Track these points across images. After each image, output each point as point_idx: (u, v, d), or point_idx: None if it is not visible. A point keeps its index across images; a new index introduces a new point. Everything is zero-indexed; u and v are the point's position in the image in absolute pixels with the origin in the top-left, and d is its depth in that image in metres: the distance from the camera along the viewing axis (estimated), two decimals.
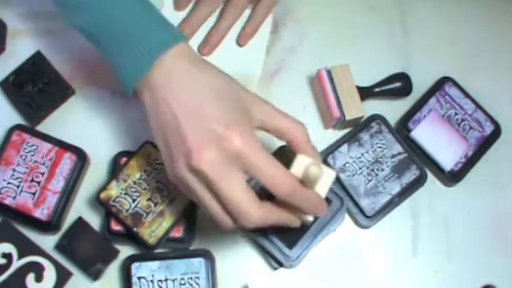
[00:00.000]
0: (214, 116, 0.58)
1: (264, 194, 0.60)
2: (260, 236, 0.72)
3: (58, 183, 0.72)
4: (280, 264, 0.73)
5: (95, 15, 0.61)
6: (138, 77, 0.60)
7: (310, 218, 0.65)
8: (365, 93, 0.79)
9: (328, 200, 0.73)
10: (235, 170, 0.58)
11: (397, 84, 0.81)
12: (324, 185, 0.63)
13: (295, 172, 0.61)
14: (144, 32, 0.60)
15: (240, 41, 0.82)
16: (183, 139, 0.58)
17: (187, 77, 0.60)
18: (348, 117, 0.77)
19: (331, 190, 0.72)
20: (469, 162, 0.79)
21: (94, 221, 0.74)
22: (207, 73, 0.61)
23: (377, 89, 0.80)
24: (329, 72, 0.78)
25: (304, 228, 0.72)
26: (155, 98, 0.60)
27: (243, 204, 0.58)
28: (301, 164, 0.61)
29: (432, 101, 0.80)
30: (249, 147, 0.58)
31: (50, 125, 0.77)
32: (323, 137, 0.79)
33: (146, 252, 0.73)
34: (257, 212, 0.59)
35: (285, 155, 0.62)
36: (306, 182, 0.60)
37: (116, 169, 0.74)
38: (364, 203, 0.76)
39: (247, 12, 0.83)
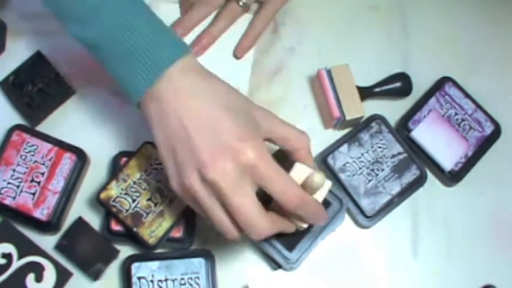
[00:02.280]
0: (227, 129, 0.58)
1: (260, 198, 0.61)
2: None
3: (58, 183, 0.72)
4: (280, 267, 0.73)
5: (98, 27, 0.61)
6: (144, 91, 0.60)
7: (305, 225, 0.66)
8: (365, 93, 0.79)
9: (327, 202, 0.73)
10: (248, 182, 0.58)
11: (397, 84, 0.81)
12: (321, 193, 0.65)
13: (294, 178, 0.62)
14: (150, 44, 0.60)
15: (237, 54, 0.82)
16: (196, 151, 0.58)
17: (197, 90, 0.60)
18: (348, 117, 0.77)
19: (330, 192, 0.73)
20: (469, 162, 0.79)
21: (94, 221, 0.74)
22: (217, 86, 0.61)
23: (377, 89, 0.80)
24: (329, 72, 0.78)
25: (303, 231, 0.72)
26: (164, 111, 0.60)
27: (252, 217, 0.59)
28: (300, 171, 0.63)
29: (432, 101, 0.80)
30: (262, 160, 0.58)
31: (50, 125, 0.77)
32: (323, 137, 0.79)
33: (146, 252, 0.73)
34: (264, 224, 0.60)
35: (280, 159, 0.63)
36: (306, 190, 0.61)
37: (116, 169, 0.74)
38: (364, 203, 0.76)
39: (248, 18, 0.83)
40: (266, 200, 0.61)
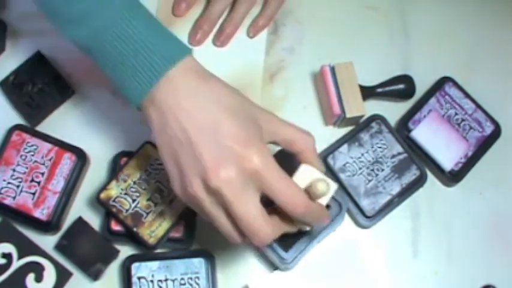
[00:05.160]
0: (230, 134, 0.56)
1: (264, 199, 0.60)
2: None
3: (58, 183, 0.72)
4: (275, 267, 0.73)
5: (93, 29, 0.59)
6: (144, 95, 0.58)
7: (308, 228, 0.67)
8: (367, 92, 0.79)
9: (326, 205, 0.73)
10: (252, 189, 0.57)
11: (401, 86, 0.81)
12: (326, 197, 0.63)
13: (299, 181, 0.61)
14: (147, 46, 0.58)
15: (251, 32, 0.82)
16: (198, 158, 0.56)
17: (197, 93, 0.58)
18: (348, 115, 0.77)
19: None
20: (469, 162, 0.79)
21: (94, 221, 0.74)
22: (217, 88, 0.59)
23: (380, 90, 0.80)
24: (332, 69, 0.78)
25: (302, 233, 0.72)
26: (163, 116, 0.58)
27: (255, 225, 0.58)
28: (305, 174, 0.62)
29: (432, 101, 0.80)
30: (266, 166, 0.57)
31: (50, 125, 0.77)
32: (323, 136, 0.79)
33: (146, 252, 0.73)
34: (267, 231, 0.58)
35: (282, 159, 0.63)
36: (310, 194, 0.61)
37: (116, 169, 0.74)
38: (364, 203, 0.76)
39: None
40: (270, 200, 0.60)
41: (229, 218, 0.58)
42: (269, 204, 0.61)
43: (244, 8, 0.82)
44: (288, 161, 0.63)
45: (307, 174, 0.62)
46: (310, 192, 0.61)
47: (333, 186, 0.63)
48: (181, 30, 0.82)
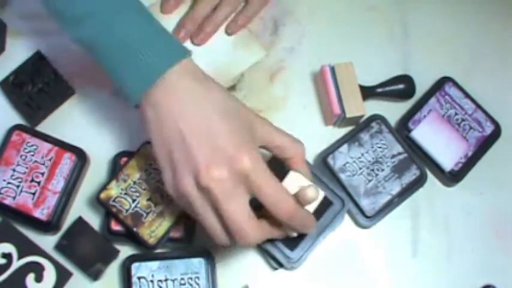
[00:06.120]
0: (223, 135, 0.58)
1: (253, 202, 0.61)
2: None
3: (58, 183, 0.72)
4: (281, 265, 0.73)
5: (95, 28, 0.61)
6: (140, 94, 0.60)
7: (295, 234, 0.67)
8: (367, 92, 0.79)
9: (329, 201, 0.73)
10: (241, 190, 0.59)
11: (400, 86, 0.81)
12: (314, 204, 0.64)
13: (288, 187, 0.62)
14: (147, 46, 0.60)
15: (231, 29, 0.82)
16: (191, 157, 0.58)
17: (194, 94, 0.60)
18: (348, 115, 0.77)
19: (332, 192, 0.73)
20: (469, 162, 0.79)
21: (94, 221, 0.74)
22: (213, 91, 0.61)
23: (379, 90, 0.80)
24: (332, 69, 0.78)
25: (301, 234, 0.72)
26: (159, 115, 0.60)
27: (243, 226, 0.59)
28: (294, 180, 0.63)
29: (432, 101, 0.80)
30: (257, 170, 0.58)
31: (50, 125, 0.77)
32: (323, 136, 0.80)
33: (146, 252, 0.73)
34: (254, 233, 0.60)
35: (274, 165, 0.64)
36: (299, 200, 0.61)
37: (116, 169, 0.74)
38: (364, 203, 0.76)
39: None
40: (260, 204, 0.61)
41: (218, 217, 0.60)
42: (259, 209, 0.61)
43: (227, 9, 0.82)
44: (278, 168, 0.65)
45: (295, 180, 0.63)
46: (298, 198, 0.61)
47: (321, 193, 0.64)
48: (168, 28, 0.82)
